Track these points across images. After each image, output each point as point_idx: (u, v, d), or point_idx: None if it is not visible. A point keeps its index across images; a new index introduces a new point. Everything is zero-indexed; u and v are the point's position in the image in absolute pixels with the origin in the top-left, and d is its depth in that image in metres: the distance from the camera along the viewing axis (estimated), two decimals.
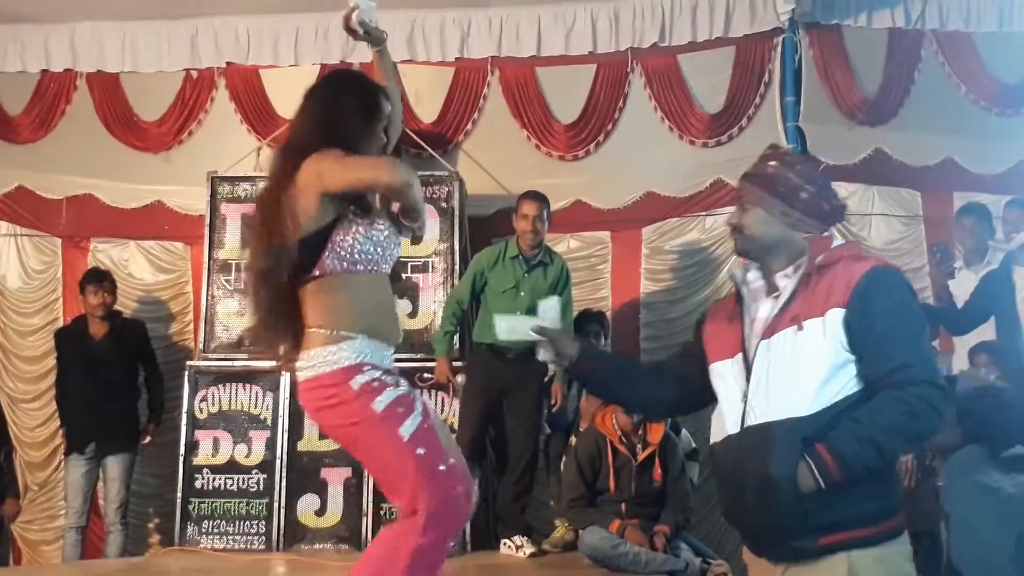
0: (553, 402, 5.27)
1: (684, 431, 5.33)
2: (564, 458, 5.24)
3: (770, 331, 2.39)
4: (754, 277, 2.53)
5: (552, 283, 5.26)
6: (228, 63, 6.66)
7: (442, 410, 5.56)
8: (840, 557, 2.30)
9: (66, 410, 5.97)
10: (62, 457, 6.07)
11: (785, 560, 2.40)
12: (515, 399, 5.21)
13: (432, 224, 5.92)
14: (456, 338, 5.44)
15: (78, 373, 5.87)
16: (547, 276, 5.28)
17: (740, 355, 2.46)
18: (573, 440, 5.20)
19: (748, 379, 2.41)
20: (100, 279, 5.94)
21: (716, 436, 2.51)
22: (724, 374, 2.51)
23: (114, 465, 5.80)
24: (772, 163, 2.51)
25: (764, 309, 2.46)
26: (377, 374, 2.72)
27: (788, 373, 2.32)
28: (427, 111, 6.59)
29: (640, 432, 4.94)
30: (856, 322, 2.29)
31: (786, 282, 2.44)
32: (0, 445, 6.26)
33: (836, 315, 2.31)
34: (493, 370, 5.18)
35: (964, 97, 6.36)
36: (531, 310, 4.93)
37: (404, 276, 5.86)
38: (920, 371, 2.27)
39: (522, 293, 5.21)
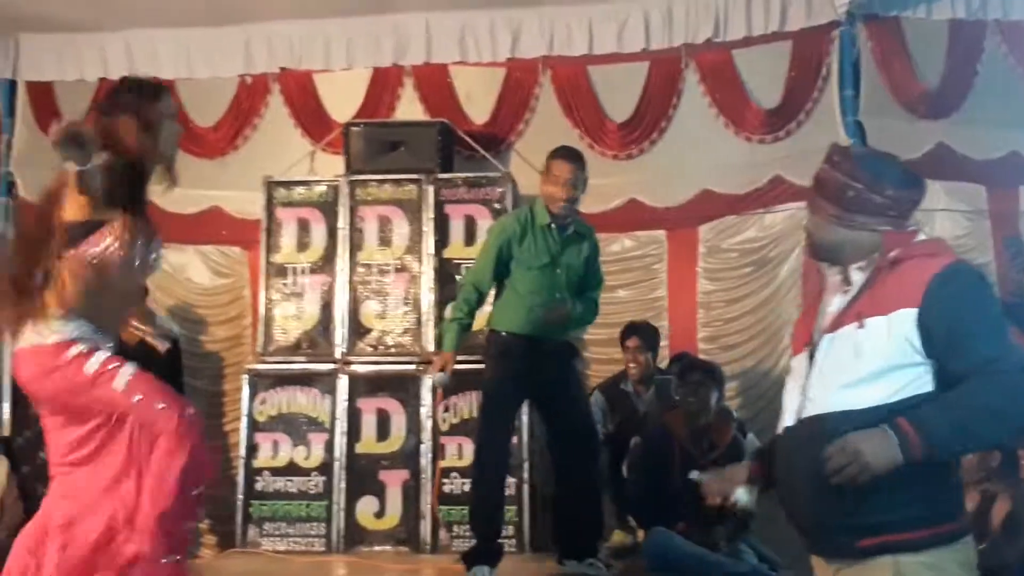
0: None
1: (750, 434, 5.25)
2: (627, 459, 5.19)
3: (835, 325, 2.38)
4: (832, 272, 2.50)
5: (587, 258, 4.60)
6: (282, 68, 6.70)
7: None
8: (885, 560, 2.26)
9: None
10: None
11: (834, 557, 2.37)
12: (562, 392, 4.54)
13: (485, 225, 5.89)
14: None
15: None
16: (582, 252, 4.58)
17: (808, 349, 2.45)
18: (634, 441, 5.16)
19: (810, 373, 2.41)
20: None
21: (780, 431, 2.51)
22: (795, 369, 2.51)
23: None
24: (824, 165, 2.48)
25: (835, 303, 2.44)
26: (87, 347, 2.93)
27: (845, 368, 2.31)
28: (478, 112, 6.58)
29: (709, 434, 4.88)
30: (933, 322, 2.24)
31: (858, 276, 2.41)
32: None
33: (906, 315, 2.25)
34: (528, 362, 4.43)
35: None
36: (570, 289, 4.50)
37: (458, 277, 5.85)
38: (1011, 361, 2.21)
39: (558, 270, 4.48)
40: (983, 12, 6.18)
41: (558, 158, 4.54)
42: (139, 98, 3.02)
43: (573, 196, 4.49)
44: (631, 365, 5.67)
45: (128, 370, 2.95)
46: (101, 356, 2.93)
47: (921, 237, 2.43)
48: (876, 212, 2.40)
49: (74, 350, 2.91)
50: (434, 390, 5.49)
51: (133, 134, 2.95)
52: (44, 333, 2.92)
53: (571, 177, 4.47)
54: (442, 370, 4.45)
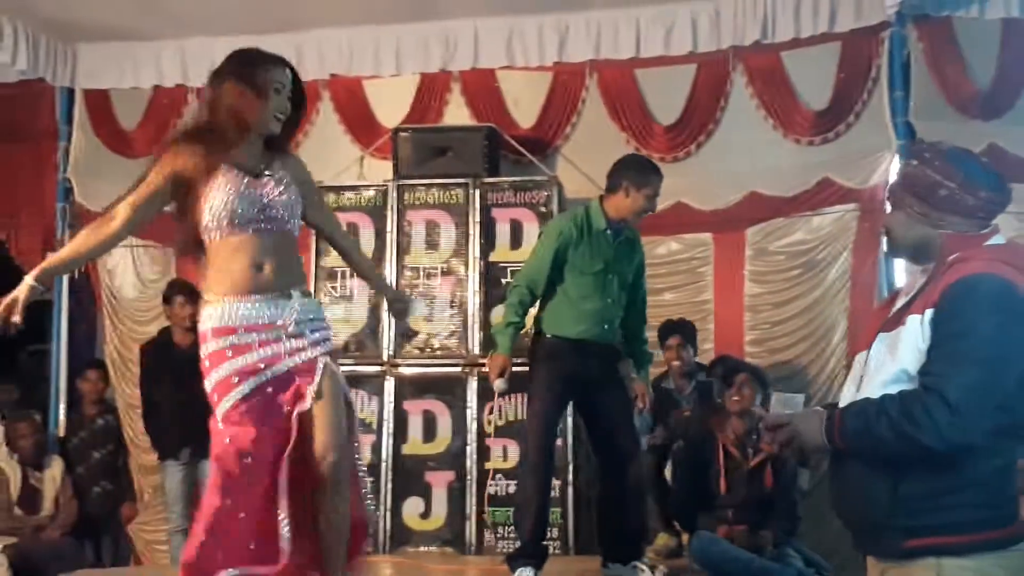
0: (641, 405, 4.71)
1: None
2: (670, 461, 5.18)
3: (891, 325, 2.38)
4: (910, 271, 2.51)
5: (637, 266, 4.62)
6: (332, 75, 6.78)
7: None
8: (929, 562, 2.25)
9: (156, 419, 6.08)
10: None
11: (881, 557, 2.38)
12: (607, 394, 4.53)
13: (532, 229, 5.93)
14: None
15: (168, 382, 5.97)
16: (633, 257, 4.60)
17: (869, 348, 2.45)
18: (677, 444, 5.14)
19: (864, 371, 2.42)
20: (189, 291, 6.07)
21: None
22: (854, 366, 2.51)
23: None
24: (912, 161, 2.44)
25: (899, 303, 2.45)
26: (219, 344, 2.93)
27: (886, 366, 2.32)
28: (525, 116, 6.60)
29: (754, 437, 4.82)
30: (937, 323, 2.24)
31: (923, 278, 2.41)
32: (118, 450, 6.53)
33: (929, 315, 2.26)
34: (575, 365, 4.45)
35: None
36: (620, 296, 4.53)
37: (504, 281, 5.88)
38: (944, 384, 2.18)
39: (610, 276, 4.48)
40: None
41: (656, 175, 4.53)
42: (240, 64, 3.07)
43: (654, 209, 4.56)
44: (674, 362, 5.68)
45: (235, 396, 2.91)
46: (221, 374, 2.92)
47: (994, 240, 2.38)
48: (966, 213, 2.36)
49: (206, 348, 2.96)
50: (481, 393, 5.57)
51: (234, 98, 3.00)
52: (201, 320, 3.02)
53: (658, 193, 4.53)
54: (501, 375, 4.43)
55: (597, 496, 4.82)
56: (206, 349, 2.96)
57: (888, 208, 2.49)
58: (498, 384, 4.47)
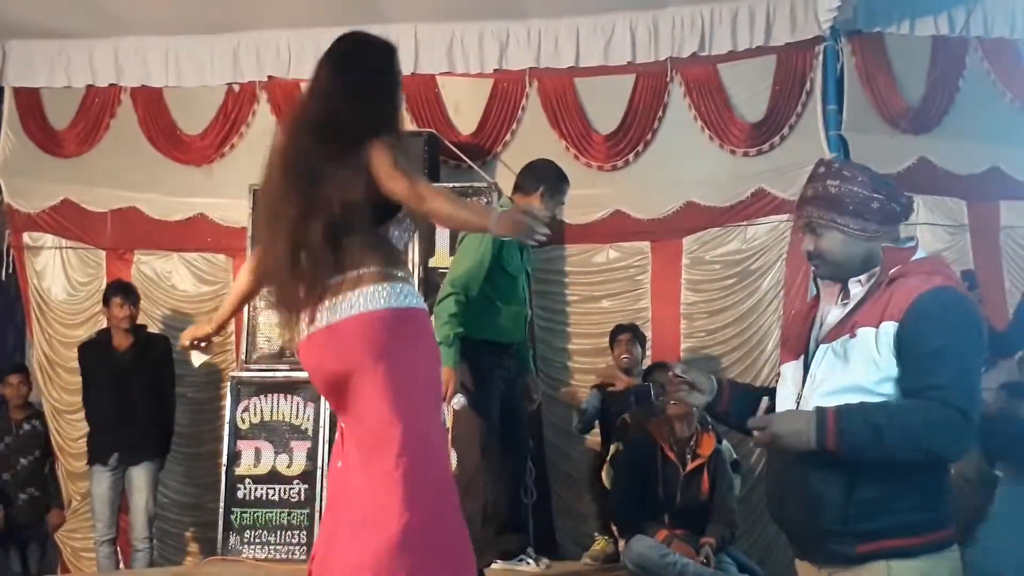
0: (536, 397, 4.75)
1: (725, 442, 5.22)
2: (605, 466, 5.20)
3: (832, 336, 2.41)
4: (827, 284, 2.54)
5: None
6: (270, 77, 6.70)
7: None
8: (879, 564, 2.30)
9: (91, 421, 6.00)
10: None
11: (827, 563, 2.40)
12: (517, 395, 4.57)
13: (471, 235, 5.91)
14: None
15: (102, 385, 5.89)
16: (526, 259, 4.63)
17: (803, 357, 2.48)
18: (614, 447, 5.17)
19: (804, 382, 2.44)
20: (127, 292, 5.97)
21: None
22: (786, 376, 2.54)
23: (139, 475, 5.81)
24: (832, 182, 2.45)
25: (833, 314, 2.47)
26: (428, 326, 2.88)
27: (833, 376, 2.35)
28: (465, 123, 6.60)
29: (692, 443, 4.89)
30: (908, 337, 2.28)
31: (857, 289, 2.44)
32: (45, 456, 6.38)
33: (889, 328, 2.30)
34: (504, 366, 4.48)
35: (1010, 105, 6.24)
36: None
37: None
38: (956, 396, 2.24)
39: (521, 277, 4.53)
40: (966, 29, 6.23)
41: (568, 185, 4.60)
42: (381, 49, 3.01)
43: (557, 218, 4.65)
44: (624, 356, 5.72)
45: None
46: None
47: (920, 254, 2.45)
48: (895, 220, 2.45)
49: (420, 326, 2.77)
50: None
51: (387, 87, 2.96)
52: (373, 299, 2.68)
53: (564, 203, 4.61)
54: (456, 391, 4.24)
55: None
56: (421, 327, 2.79)
57: (811, 234, 2.47)
58: (458, 400, 4.29)
